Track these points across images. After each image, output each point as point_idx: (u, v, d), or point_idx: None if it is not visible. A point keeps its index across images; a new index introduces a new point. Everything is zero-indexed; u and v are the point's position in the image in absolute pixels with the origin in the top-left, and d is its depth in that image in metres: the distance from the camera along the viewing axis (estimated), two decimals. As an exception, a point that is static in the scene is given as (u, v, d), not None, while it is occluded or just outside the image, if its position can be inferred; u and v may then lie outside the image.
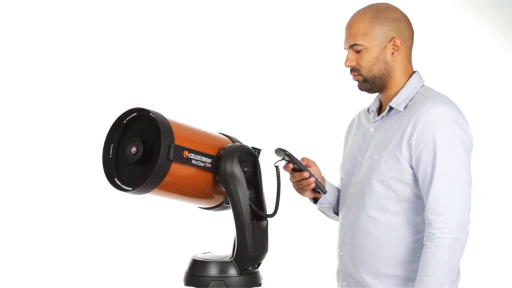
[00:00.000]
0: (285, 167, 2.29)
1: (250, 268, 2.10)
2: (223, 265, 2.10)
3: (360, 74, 2.27)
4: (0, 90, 4.05)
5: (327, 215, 2.51)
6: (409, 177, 2.19)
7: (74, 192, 4.07)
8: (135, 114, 2.06)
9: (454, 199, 2.12)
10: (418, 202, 2.20)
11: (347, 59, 2.27)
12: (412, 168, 2.18)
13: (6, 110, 4.05)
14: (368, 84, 2.28)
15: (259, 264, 2.15)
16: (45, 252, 4.03)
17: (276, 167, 2.23)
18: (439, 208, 2.11)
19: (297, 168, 2.28)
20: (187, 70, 4.29)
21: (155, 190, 2.01)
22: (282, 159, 2.27)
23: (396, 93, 2.27)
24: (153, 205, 3.67)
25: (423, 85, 2.28)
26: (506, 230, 4.57)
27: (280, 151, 2.24)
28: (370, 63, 2.25)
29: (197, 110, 4.07)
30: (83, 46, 4.15)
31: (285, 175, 2.30)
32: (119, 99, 3.88)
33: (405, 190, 2.20)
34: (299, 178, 2.30)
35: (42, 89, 4.10)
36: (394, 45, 2.24)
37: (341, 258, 2.37)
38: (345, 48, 2.30)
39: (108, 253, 4.09)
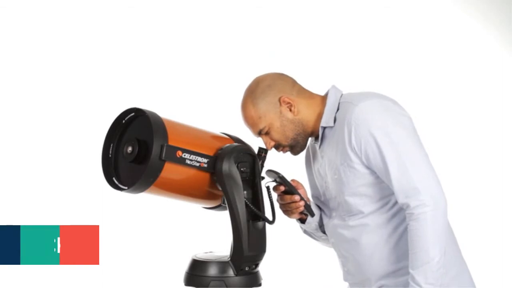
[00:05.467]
0: (276, 189, 2.31)
1: (247, 269, 2.10)
2: (222, 265, 2.10)
3: (284, 146, 2.34)
4: (0, 90, 4.05)
5: (314, 236, 2.53)
6: (370, 177, 2.23)
7: (75, 191, 4.07)
8: (133, 114, 2.07)
9: (415, 176, 2.15)
10: (389, 195, 2.24)
11: (266, 144, 2.32)
12: (368, 168, 2.22)
13: (5, 110, 4.05)
14: (296, 147, 2.35)
15: (257, 265, 2.14)
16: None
17: (267, 187, 2.23)
18: (406, 190, 2.14)
19: (288, 190, 2.28)
20: (191, 70, 4.29)
21: (151, 188, 2.02)
22: (273, 181, 2.27)
23: (321, 118, 2.31)
24: (154, 205, 3.67)
25: (342, 94, 2.33)
26: (507, 230, 4.56)
27: (272, 173, 2.23)
28: (281, 133, 2.31)
29: (199, 110, 4.06)
30: (83, 47, 4.14)
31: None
32: (121, 99, 3.86)
33: (374, 190, 2.24)
34: (289, 201, 2.32)
35: (41, 89, 4.09)
36: (285, 103, 2.29)
37: (346, 273, 2.39)
38: (258, 137, 2.35)
39: (108, 252, 4.08)
